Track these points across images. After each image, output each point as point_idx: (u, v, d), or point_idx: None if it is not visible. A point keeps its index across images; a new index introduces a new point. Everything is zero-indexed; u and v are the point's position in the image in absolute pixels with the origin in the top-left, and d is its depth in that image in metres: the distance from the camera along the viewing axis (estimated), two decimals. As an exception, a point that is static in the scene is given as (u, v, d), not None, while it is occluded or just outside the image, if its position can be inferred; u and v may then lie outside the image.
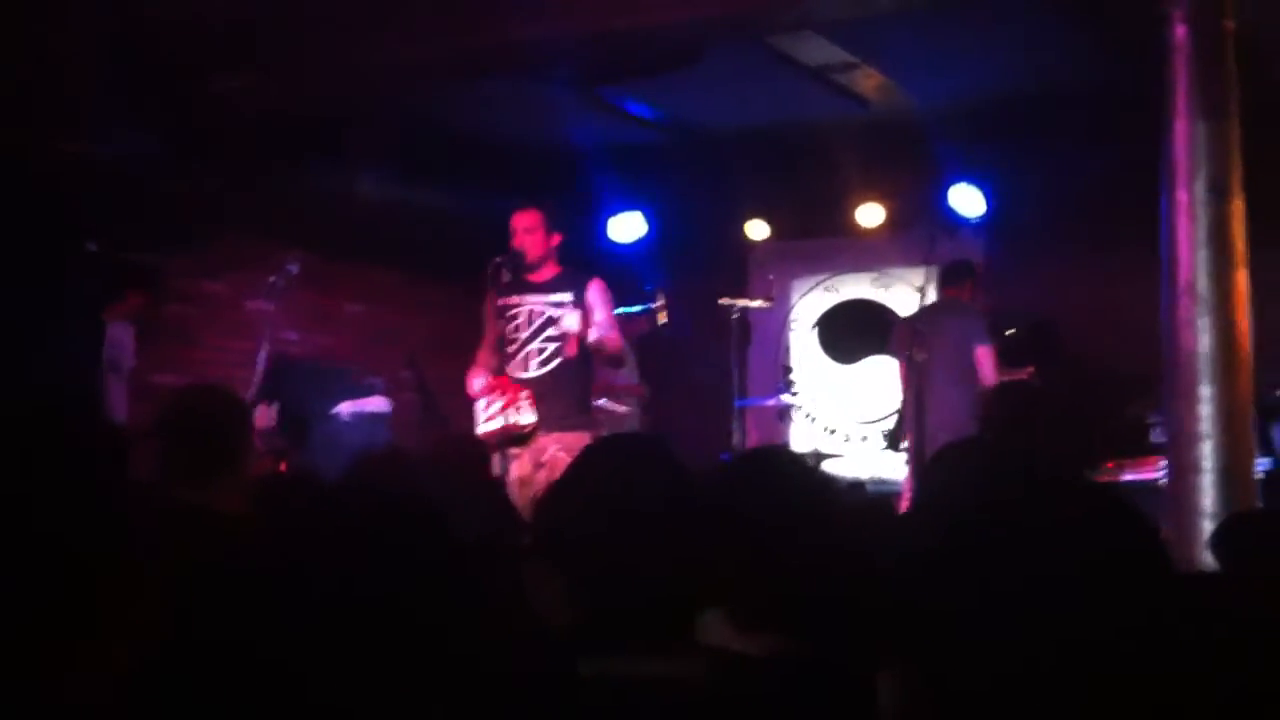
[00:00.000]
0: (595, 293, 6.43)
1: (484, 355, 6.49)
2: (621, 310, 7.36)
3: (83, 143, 6.50)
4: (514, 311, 6.38)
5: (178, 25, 6.35)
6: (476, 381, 6.33)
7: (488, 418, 6.29)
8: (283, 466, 6.98)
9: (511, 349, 6.33)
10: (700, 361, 8.54)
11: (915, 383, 7.16)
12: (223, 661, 1.39)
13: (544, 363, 6.34)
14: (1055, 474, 6.76)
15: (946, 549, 1.55)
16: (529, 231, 6.36)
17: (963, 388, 7.01)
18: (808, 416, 9.58)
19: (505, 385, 6.19)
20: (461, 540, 1.75)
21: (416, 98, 7.62)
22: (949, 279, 7.51)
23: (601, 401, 7.25)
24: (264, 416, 7.17)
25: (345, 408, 7.69)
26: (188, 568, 1.53)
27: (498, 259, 6.31)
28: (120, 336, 7.04)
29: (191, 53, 6.51)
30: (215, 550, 1.56)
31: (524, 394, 6.17)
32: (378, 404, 7.76)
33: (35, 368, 6.33)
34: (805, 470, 2.30)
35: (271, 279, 7.37)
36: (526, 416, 6.14)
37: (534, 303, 6.39)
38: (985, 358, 7.19)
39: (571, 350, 6.26)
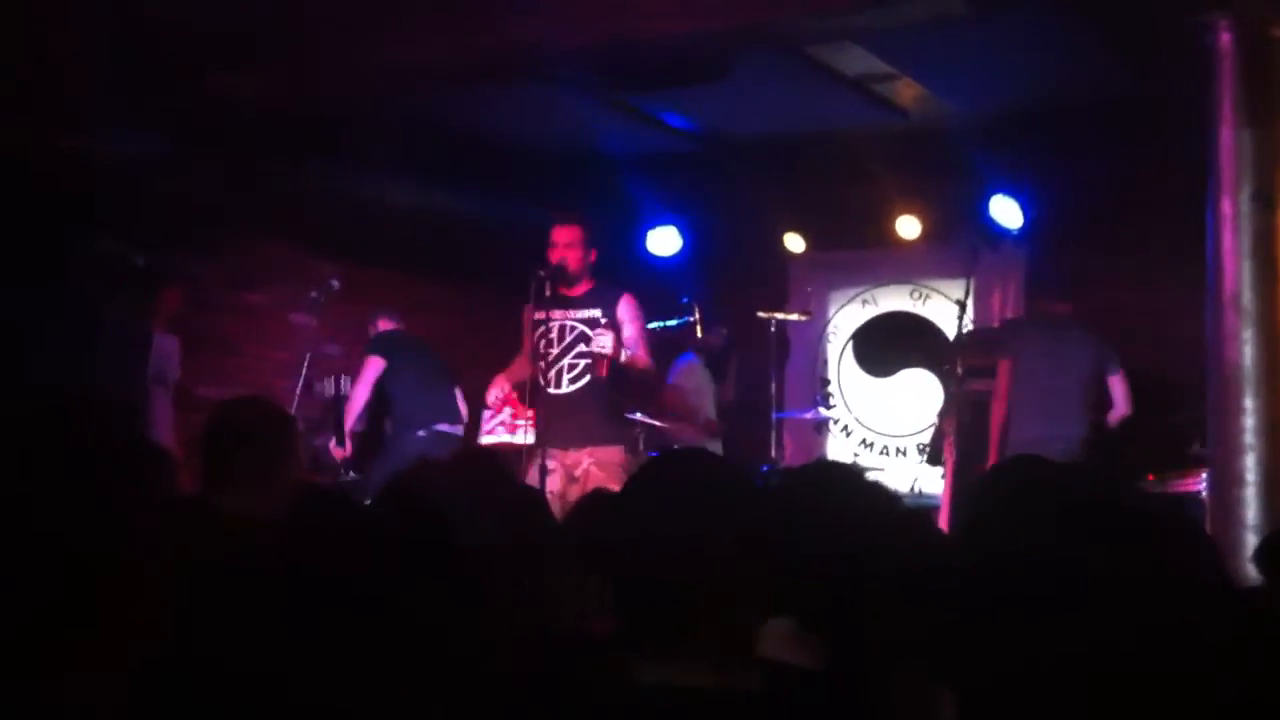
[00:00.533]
0: (626, 308, 6.43)
1: (519, 364, 6.51)
2: (657, 324, 7.36)
3: (85, 141, 6.52)
4: (547, 326, 6.38)
5: (179, 25, 6.36)
6: (493, 392, 6.34)
7: (488, 430, 6.31)
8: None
9: (544, 364, 6.34)
10: (738, 374, 8.54)
11: (958, 398, 7.12)
12: (222, 662, 1.39)
13: (575, 379, 6.35)
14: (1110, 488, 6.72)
15: (997, 568, 1.54)
16: (570, 246, 6.37)
17: (1073, 418, 6.86)
18: (844, 430, 9.55)
19: (514, 403, 6.18)
20: (473, 543, 1.75)
21: (447, 106, 7.63)
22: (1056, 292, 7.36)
23: (637, 415, 7.24)
24: (370, 369, 7.10)
25: (438, 427, 7.54)
26: (188, 569, 1.54)
27: (540, 272, 6.32)
28: (167, 348, 7.09)
29: (192, 53, 6.51)
30: (215, 553, 1.57)
31: (528, 416, 6.17)
32: (458, 429, 7.69)
33: (36, 367, 6.35)
34: (868, 484, 2.29)
35: (313, 294, 7.42)
36: (520, 438, 6.15)
37: (566, 318, 6.39)
38: (1119, 386, 7.02)
39: (603, 371, 6.27)
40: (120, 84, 6.40)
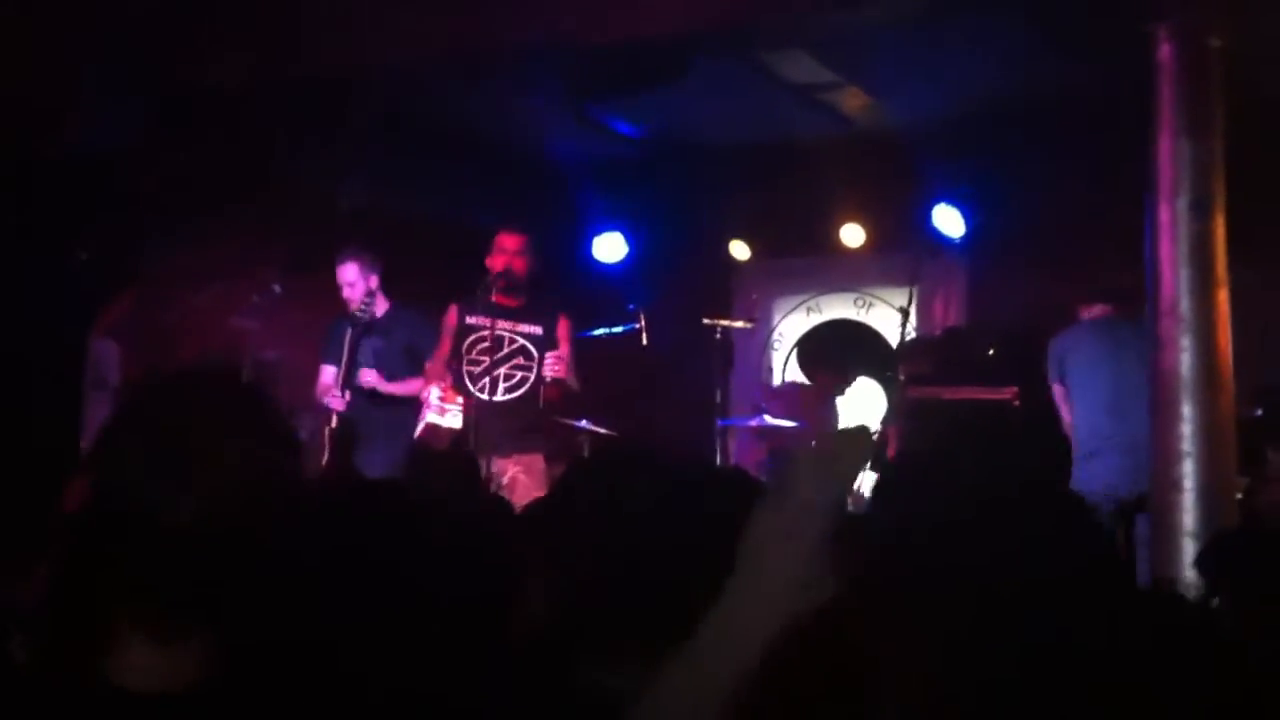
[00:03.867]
0: (564, 329, 6.50)
1: (437, 368, 6.49)
2: (602, 330, 7.36)
3: (62, 140, 6.44)
4: (482, 333, 6.37)
5: (159, 21, 6.31)
6: (434, 390, 6.38)
7: (436, 411, 6.36)
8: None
9: (475, 370, 6.33)
10: (682, 381, 8.54)
11: (901, 405, 7.14)
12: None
13: (511, 389, 6.37)
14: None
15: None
16: (518, 254, 6.39)
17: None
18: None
19: (450, 394, 6.30)
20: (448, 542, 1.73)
21: (402, 108, 7.59)
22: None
23: (583, 423, 7.22)
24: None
25: None
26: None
27: (488, 277, 6.32)
28: (104, 352, 7.01)
29: (172, 48, 6.48)
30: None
31: (459, 401, 6.26)
32: None
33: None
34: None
35: (255, 298, 7.35)
36: (446, 420, 6.24)
37: (505, 328, 6.40)
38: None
39: (556, 395, 6.32)
40: (99, 82, 6.34)
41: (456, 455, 4.29)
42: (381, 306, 6.89)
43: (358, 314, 6.83)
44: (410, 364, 6.77)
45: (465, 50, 6.25)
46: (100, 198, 6.77)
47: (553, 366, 6.26)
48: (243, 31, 6.43)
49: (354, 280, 6.84)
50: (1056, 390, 6.67)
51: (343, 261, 6.90)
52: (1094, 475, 6.11)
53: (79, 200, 6.68)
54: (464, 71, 6.70)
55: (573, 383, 6.42)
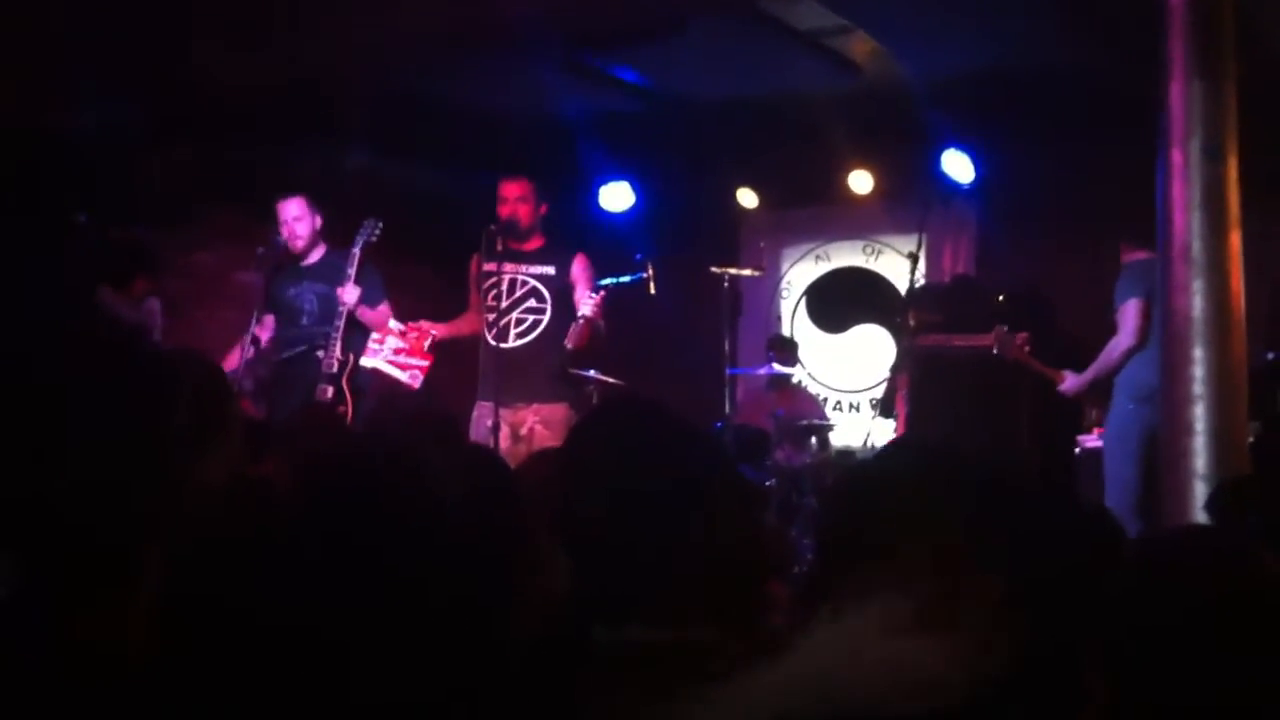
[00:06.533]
0: (579, 269, 6.41)
1: (465, 318, 6.51)
2: (610, 280, 7.34)
3: (65, 115, 6.44)
4: (497, 279, 6.34)
5: (156, 16, 6.29)
6: (407, 327, 6.35)
7: (369, 353, 6.31)
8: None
9: (491, 317, 6.29)
10: (691, 331, 8.53)
11: (910, 353, 7.13)
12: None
13: (522, 334, 6.32)
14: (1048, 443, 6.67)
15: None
16: (521, 200, 6.35)
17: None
18: (798, 385, 9.57)
19: (415, 347, 6.24)
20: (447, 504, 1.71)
21: (403, 71, 7.57)
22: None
23: (592, 372, 7.20)
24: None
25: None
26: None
27: (492, 226, 6.29)
28: (153, 306, 7.21)
29: (175, 24, 6.45)
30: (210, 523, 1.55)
31: (418, 356, 6.20)
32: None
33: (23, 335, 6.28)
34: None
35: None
36: (404, 376, 6.21)
37: (518, 272, 6.37)
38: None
39: (585, 336, 6.20)
40: (103, 55, 6.32)
41: (430, 416, 4.27)
42: (318, 252, 6.72)
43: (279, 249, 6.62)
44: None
45: (462, 28, 6.20)
46: (99, 173, 6.77)
47: (587, 303, 6.12)
48: (236, 25, 6.39)
49: (300, 215, 6.59)
50: (1140, 305, 6.19)
51: (285, 198, 6.63)
52: (1154, 413, 5.99)
53: (78, 173, 6.69)
54: (464, 48, 6.66)
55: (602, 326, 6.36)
